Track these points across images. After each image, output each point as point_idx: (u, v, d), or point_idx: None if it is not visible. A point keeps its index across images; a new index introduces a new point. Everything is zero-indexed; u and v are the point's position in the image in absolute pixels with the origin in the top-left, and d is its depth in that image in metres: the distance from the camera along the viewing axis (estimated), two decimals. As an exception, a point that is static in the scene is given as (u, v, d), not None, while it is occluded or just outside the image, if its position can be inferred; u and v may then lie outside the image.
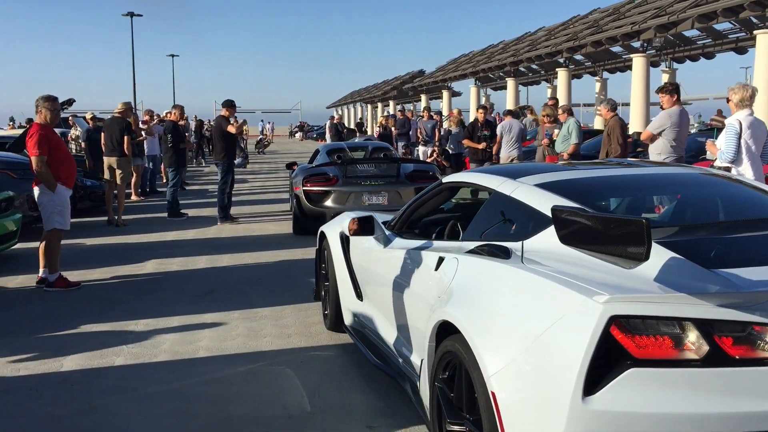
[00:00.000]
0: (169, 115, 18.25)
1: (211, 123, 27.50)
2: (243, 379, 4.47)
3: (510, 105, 32.18)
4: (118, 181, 11.76)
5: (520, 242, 3.04)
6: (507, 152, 14.46)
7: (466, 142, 13.33)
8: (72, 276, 7.26)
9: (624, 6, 25.39)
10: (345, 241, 5.06)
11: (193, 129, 27.65)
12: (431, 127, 18.11)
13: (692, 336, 2.24)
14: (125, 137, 11.81)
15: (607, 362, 2.24)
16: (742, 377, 2.23)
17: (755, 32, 17.08)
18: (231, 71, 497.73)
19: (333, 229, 5.36)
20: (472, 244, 3.31)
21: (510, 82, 31.84)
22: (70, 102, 13.28)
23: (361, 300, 4.77)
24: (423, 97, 46.05)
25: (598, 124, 27.72)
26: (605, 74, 31.94)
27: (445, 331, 3.04)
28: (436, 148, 17.29)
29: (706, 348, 2.22)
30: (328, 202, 9.90)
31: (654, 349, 2.24)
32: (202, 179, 21.08)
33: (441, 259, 3.40)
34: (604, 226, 2.48)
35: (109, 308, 6.27)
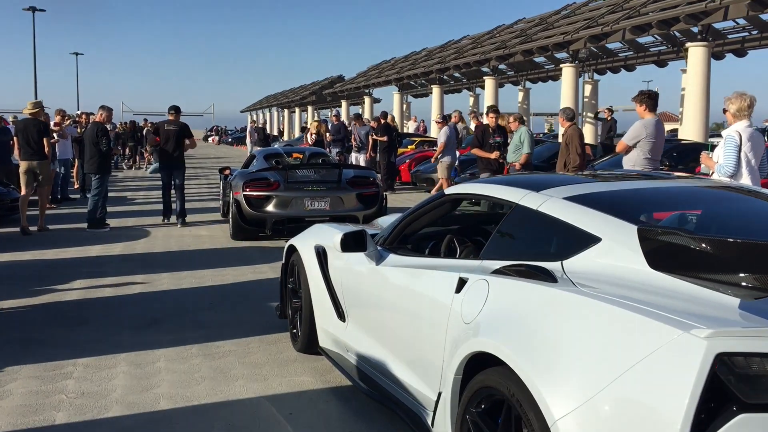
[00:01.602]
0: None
1: (150, 125, 26.30)
2: (226, 441, 3.64)
3: (435, 112, 32.01)
4: (42, 186, 10.80)
5: (558, 262, 2.73)
6: (450, 158, 14.08)
7: (476, 152, 11.42)
8: (-15, 302, 6.18)
9: (551, 16, 25.56)
10: (322, 255, 4.64)
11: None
12: (365, 134, 17.47)
13: None
14: (44, 139, 10.75)
15: (712, 407, 1.95)
16: None
17: (687, 45, 17.33)
18: (140, 72, 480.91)
19: (306, 243, 4.90)
20: (497, 264, 2.95)
21: (435, 90, 31.63)
22: None
23: (344, 321, 4.34)
24: (344, 102, 45.40)
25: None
26: (527, 84, 32.28)
27: (477, 362, 2.69)
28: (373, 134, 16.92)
29: None
30: (270, 207, 9.67)
31: (763, 392, 1.96)
32: (117, 185, 19.58)
33: (462, 281, 3.01)
34: (724, 250, 2.24)
35: (36, 344, 5.25)
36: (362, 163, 16.60)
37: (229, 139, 59.54)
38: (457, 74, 33.33)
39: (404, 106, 39.76)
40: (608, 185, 3.50)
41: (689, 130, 16.69)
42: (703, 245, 2.28)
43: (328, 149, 18.18)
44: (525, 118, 30.34)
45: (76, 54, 61.50)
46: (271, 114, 68.91)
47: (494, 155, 11.06)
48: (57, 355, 4.98)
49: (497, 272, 2.88)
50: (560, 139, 10.87)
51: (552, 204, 3.03)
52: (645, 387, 2.03)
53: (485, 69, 29.83)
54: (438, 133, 14.13)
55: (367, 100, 40.75)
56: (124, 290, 7.01)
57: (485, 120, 12.28)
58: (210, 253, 9.16)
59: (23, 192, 10.71)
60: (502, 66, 28.15)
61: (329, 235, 4.54)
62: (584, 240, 2.75)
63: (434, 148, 22.69)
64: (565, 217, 2.92)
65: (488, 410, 2.60)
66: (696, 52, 16.71)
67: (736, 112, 6.02)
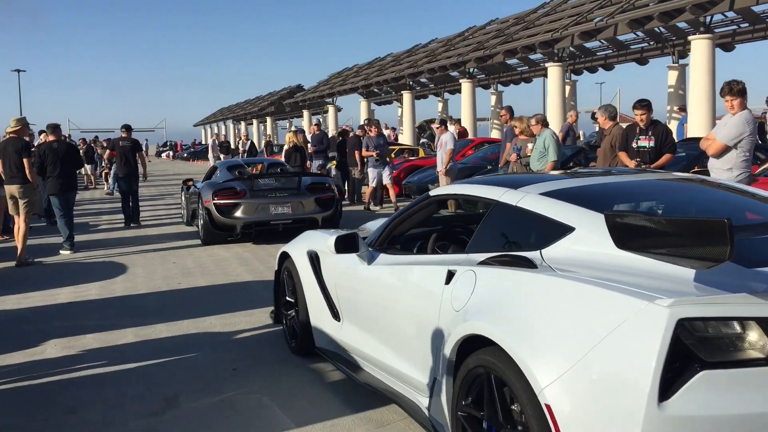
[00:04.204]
0: (44, 136, 15.36)
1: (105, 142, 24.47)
2: None
3: (407, 119, 30.73)
4: (22, 212, 9.63)
5: (537, 252, 3.00)
6: (454, 165, 12.80)
7: (621, 156, 8.51)
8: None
9: (528, 15, 24.53)
10: (314, 260, 4.91)
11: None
12: (382, 144, 14.73)
13: (754, 335, 2.25)
14: (24, 160, 9.53)
15: (676, 367, 2.21)
16: None
17: (690, 38, 16.38)
18: (86, 88, 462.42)
19: (298, 249, 5.18)
20: (482, 256, 3.23)
21: (406, 96, 30.34)
22: None
23: (339, 320, 4.56)
24: (305, 112, 43.88)
25: (496, 136, 26.71)
26: (499, 87, 31.28)
27: (469, 345, 2.92)
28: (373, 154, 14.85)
29: None
30: (238, 213, 10.59)
31: (721, 351, 2.24)
32: (76, 209, 17.59)
33: (451, 273, 3.27)
34: (677, 228, 2.45)
35: (9, 454, 3.70)
36: (386, 180, 14.37)
37: (185, 154, 57.28)
38: (423, 79, 32.14)
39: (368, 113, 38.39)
40: (579, 181, 3.76)
41: (695, 128, 15.72)
42: (659, 225, 2.52)
43: (308, 162, 16.62)
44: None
45: (18, 71, 58.65)
46: (227, 127, 66.79)
47: (633, 164, 8.11)
48: (42, 474, 3.44)
49: (483, 263, 3.14)
50: (603, 140, 9.55)
51: (529, 199, 3.33)
52: (618, 353, 2.29)
53: (454, 73, 28.68)
54: (441, 139, 12.70)
55: (330, 109, 39.27)
56: (115, 355, 5.43)
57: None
58: (207, 292, 7.63)
59: (15, 220, 9.87)
60: (474, 69, 27.05)
61: (321, 240, 4.81)
62: (560, 230, 3.02)
63: (412, 157, 21.51)
64: (542, 210, 3.21)
65: (482, 386, 2.81)
66: (700, 45, 15.76)
67: None
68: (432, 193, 4.18)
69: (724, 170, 6.36)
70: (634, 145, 8.08)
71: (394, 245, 4.31)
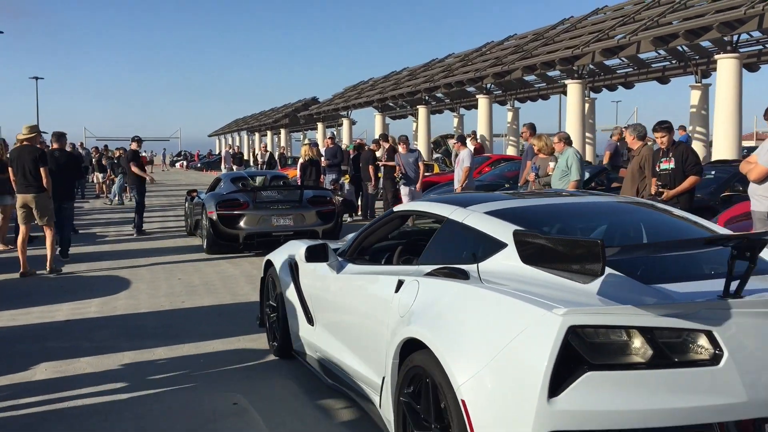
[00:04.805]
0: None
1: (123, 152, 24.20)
2: None
3: (422, 134, 30.41)
4: (41, 222, 9.38)
5: (475, 265, 3.29)
6: (469, 183, 12.37)
7: (653, 182, 8.12)
8: None
9: (547, 32, 24.18)
10: (294, 268, 5.20)
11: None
12: (414, 161, 14.07)
13: (638, 342, 2.54)
14: (41, 169, 9.28)
15: (567, 367, 2.48)
16: (681, 377, 2.51)
17: (716, 57, 15.94)
18: (103, 96, 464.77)
19: (280, 257, 5.50)
20: (430, 268, 3.53)
21: (422, 110, 30.02)
22: None
23: (313, 325, 4.86)
24: (319, 125, 43.72)
25: (511, 153, 26.27)
26: (516, 103, 30.92)
27: (410, 348, 3.23)
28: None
29: (650, 352, 2.52)
30: (241, 224, 10.86)
31: (606, 355, 2.53)
32: (84, 219, 17.41)
33: (401, 282, 3.59)
34: (563, 246, 2.73)
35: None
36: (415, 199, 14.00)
37: (198, 164, 57.21)
38: (439, 94, 31.83)
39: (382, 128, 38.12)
40: (526, 201, 4.14)
41: (721, 150, 15.25)
42: (551, 243, 2.80)
43: (321, 177, 16.25)
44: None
45: (36, 78, 58.84)
46: (241, 138, 66.77)
47: (653, 189, 7.90)
48: None
49: (427, 274, 3.48)
50: (630, 161, 9.11)
51: (474, 217, 3.68)
52: (520, 355, 2.60)
53: (471, 89, 28.34)
54: (459, 156, 12.30)
55: (345, 122, 39.05)
56: (108, 382, 5.04)
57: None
58: (211, 312, 7.26)
59: (20, 230, 9.41)
60: (491, 84, 26.68)
61: (299, 249, 4.91)
62: (495, 246, 3.38)
63: (427, 173, 21.07)
64: (483, 227, 3.56)
65: (417, 384, 3.15)
66: (726, 64, 15.32)
67: None
68: (395, 209, 4.66)
69: (765, 197, 5.93)
70: (656, 168, 7.89)
71: (362, 256, 4.65)
